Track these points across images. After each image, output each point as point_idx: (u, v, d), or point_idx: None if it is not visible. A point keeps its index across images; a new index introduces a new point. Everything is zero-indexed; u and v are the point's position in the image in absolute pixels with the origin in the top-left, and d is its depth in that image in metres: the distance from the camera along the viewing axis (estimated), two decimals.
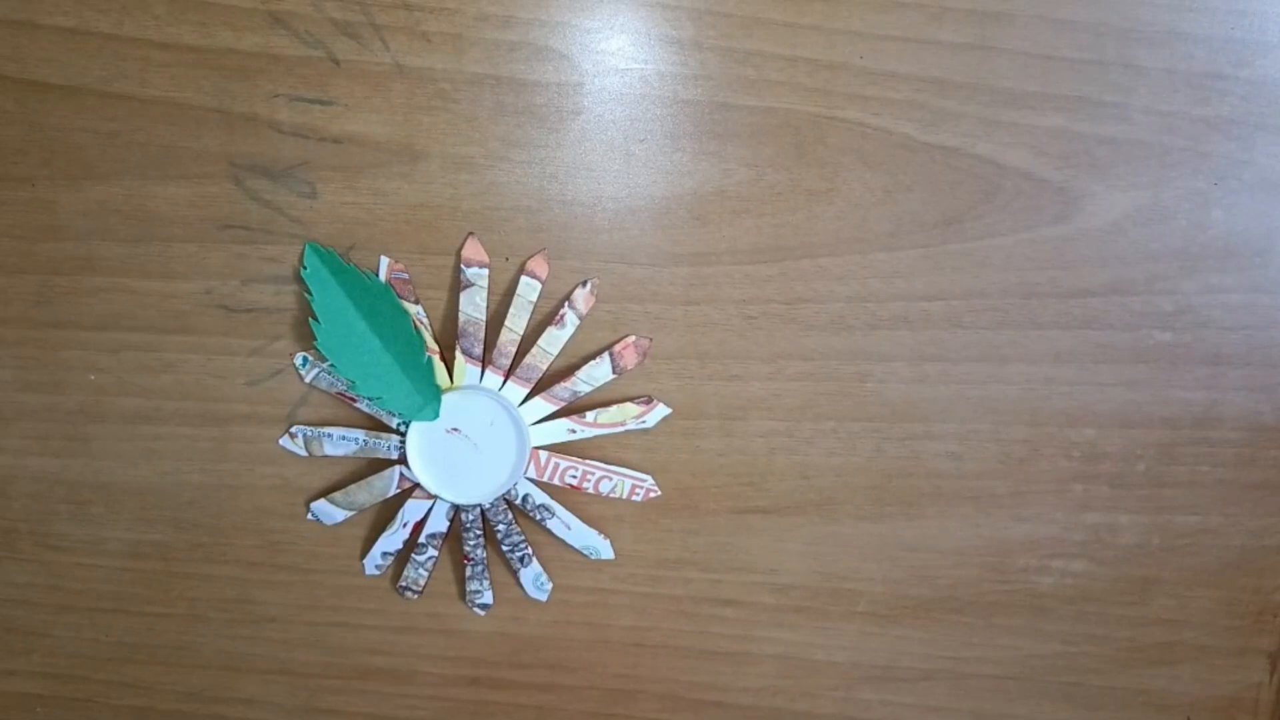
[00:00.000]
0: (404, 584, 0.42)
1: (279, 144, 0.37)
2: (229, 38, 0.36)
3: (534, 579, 0.41)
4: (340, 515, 0.41)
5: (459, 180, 0.37)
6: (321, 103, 0.37)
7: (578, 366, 0.39)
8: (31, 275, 0.39)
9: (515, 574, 0.42)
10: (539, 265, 0.38)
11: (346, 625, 0.43)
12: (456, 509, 0.40)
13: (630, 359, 0.39)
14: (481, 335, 0.38)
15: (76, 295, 0.39)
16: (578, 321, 0.38)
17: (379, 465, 0.41)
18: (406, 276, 0.38)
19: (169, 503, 0.42)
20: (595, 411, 0.39)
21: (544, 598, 0.42)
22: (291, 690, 0.44)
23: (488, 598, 0.42)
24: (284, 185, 0.38)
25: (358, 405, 0.39)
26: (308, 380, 0.39)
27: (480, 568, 0.41)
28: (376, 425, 0.40)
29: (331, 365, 0.38)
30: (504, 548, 0.41)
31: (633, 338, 0.38)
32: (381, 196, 0.37)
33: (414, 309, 0.38)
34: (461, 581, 0.42)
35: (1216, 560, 0.41)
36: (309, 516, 0.41)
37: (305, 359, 0.39)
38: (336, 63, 0.36)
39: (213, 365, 0.40)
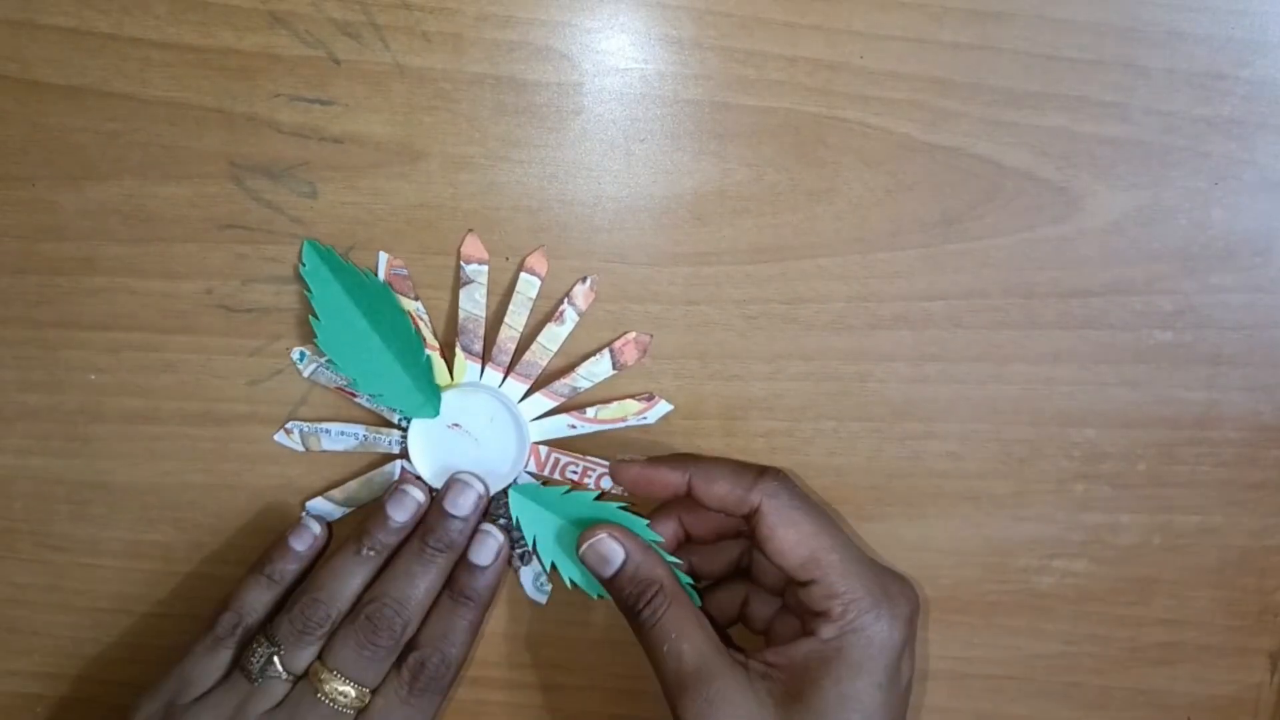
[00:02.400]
0: None
1: (279, 144, 0.37)
2: (229, 38, 0.36)
3: (534, 578, 0.41)
4: (338, 513, 0.41)
5: (459, 180, 0.37)
6: (321, 103, 0.37)
7: (577, 364, 0.39)
8: (31, 275, 0.39)
9: (515, 572, 0.42)
10: (538, 262, 0.38)
11: None
12: None
13: (630, 355, 0.39)
14: (481, 332, 0.38)
15: (76, 295, 0.39)
16: (577, 318, 0.38)
17: (381, 461, 0.41)
18: (405, 273, 0.38)
19: (169, 503, 0.42)
20: (595, 408, 0.39)
21: (543, 600, 0.42)
22: None
23: None
24: (284, 185, 0.38)
25: (358, 400, 0.40)
26: (305, 375, 0.39)
27: None
28: (376, 421, 0.40)
29: (331, 362, 0.38)
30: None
31: (633, 334, 0.38)
32: (381, 196, 0.37)
33: (412, 305, 0.38)
34: None
35: (1217, 560, 0.41)
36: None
37: (303, 354, 0.39)
38: (336, 63, 0.36)
39: (213, 365, 0.40)
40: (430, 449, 0.39)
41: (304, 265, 0.38)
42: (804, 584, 0.35)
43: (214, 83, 0.36)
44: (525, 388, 0.39)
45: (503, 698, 0.44)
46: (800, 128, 0.36)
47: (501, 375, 0.39)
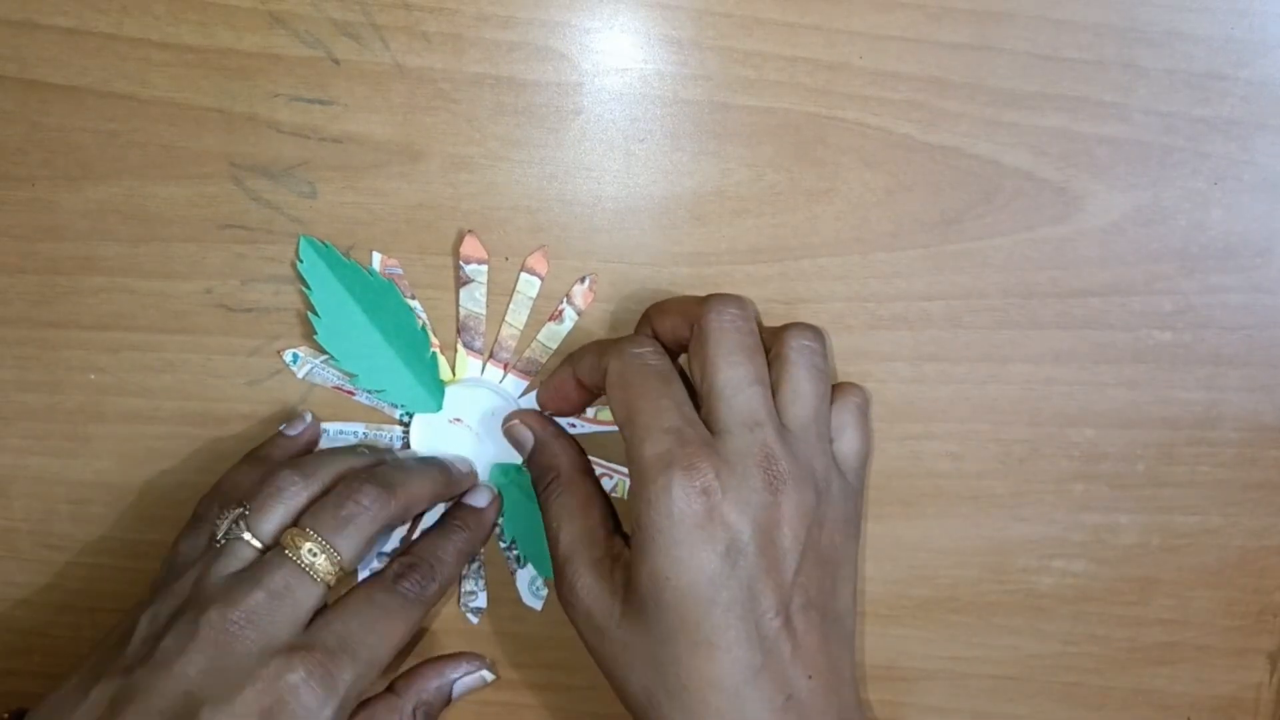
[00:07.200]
0: None
1: (279, 144, 0.37)
2: (229, 38, 0.36)
3: (529, 583, 0.41)
4: None
5: (459, 180, 0.37)
6: (321, 103, 0.37)
7: None
8: (31, 275, 0.39)
9: (512, 574, 0.42)
10: (538, 262, 0.38)
11: None
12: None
13: None
14: (482, 329, 0.39)
15: (76, 295, 0.39)
16: (576, 317, 0.38)
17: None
18: (400, 272, 0.38)
19: (169, 502, 0.42)
20: (595, 408, 0.39)
21: (539, 605, 0.42)
22: None
23: (481, 600, 0.42)
24: (284, 185, 0.38)
25: (356, 398, 0.40)
26: (300, 376, 0.39)
27: (476, 564, 0.41)
28: (376, 418, 0.40)
29: (331, 359, 0.38)
30: (501, 544, 0.41)
31: None
32: (381, 196, 0.38)
33: (411, 305, 0.38)
34: (459, 580, 0.42)
35: (1216, 560, 0.41)
36: None
37: (296, 355, 0.39)
38: (336, 63, 0.36)
39: (213, 365, 0.40)
40: (432, 444, 0.40)
41: (301, 262, 0.38)
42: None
43: (213, 83, 0.36)
44: (525, 384, 0.39)
45: (503, 698, 0.44)
46: (800, 128, 0.36)
47: (502, 372, 0.39)
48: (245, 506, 0.35)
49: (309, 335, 0.38)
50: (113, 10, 0.36)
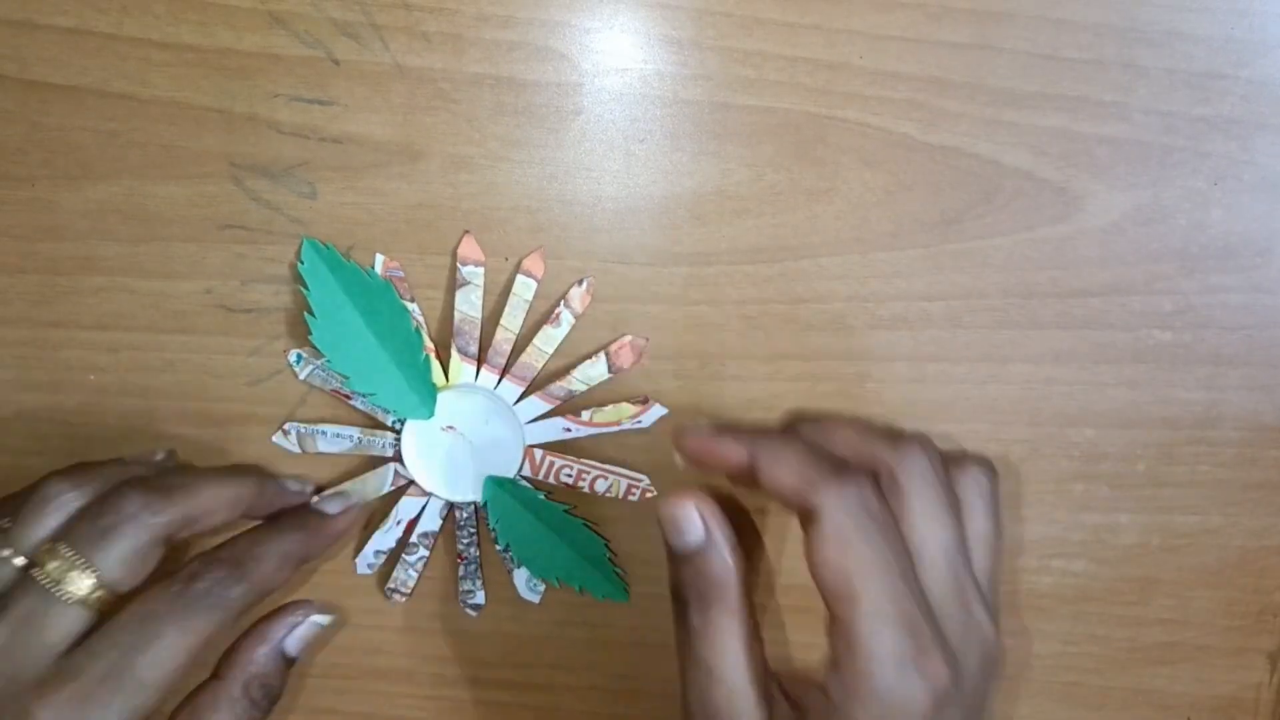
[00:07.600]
0: (392, 586, 0.42)
1: (279, 144, 0.37)
2: (229, 38, 0.36)
3: (527, 579, 0.41)
4: None
5: (459, 180, 0.37)
6: (321, 103, 0.37)
7: (574, 366, 0.39)
8: (31, 275, 0.39)
9: (509, 573, 0.42)
10: (535, 264, 0.38)
11: (346, 625, 0.43)
12: (451, 507, 0.40)
13: (626, 359, 0.39)
14: (477, 334, 0.38)
15: (76, 295, 0.39)
16: (573, 320, 0.38)
17: (375, 464, 0.41)
18: (402, 274, 0.38)
19: None
20: (590, 410, 0.39)
21: (536, 599, 0.42)
22: (291, 690, 0.44)
23: (480, 598, 0.42)
24: (284, 185, 0.38)
25: (353, 403, 0.40)
26: (302, 377, 0.39)
27: (473, 566, 0.41)
28: (373, 424, 0.40)
29: (326, 361, 0.38)
30: (498, 546, 0.41)
31: (629, 337, 0.38)
32: (381, 196, 0.38)
33: (409, 307, 0.38)
34: (456, 581, 0.42)
35: (1216, 560, 0.41)
36: None
37: (300, 356, 0.39)
38: (336, 63, 0.36)
39: (213, 365, 0.40)
40: (424, 451, 0.39)
41: (302, 263, 0.38)
42: (832, 617, 0.29)
43: (213, 83, 0.36)
44: (520, 390, 0.39)
45: (503, 698, 0.44)
46: (800, 128, 0.36)
47: (497, 377, 0.39)
48: (8, 519, 0.31)
49: (307, 335, 0.38)
50: (113, 10, 0.36)
